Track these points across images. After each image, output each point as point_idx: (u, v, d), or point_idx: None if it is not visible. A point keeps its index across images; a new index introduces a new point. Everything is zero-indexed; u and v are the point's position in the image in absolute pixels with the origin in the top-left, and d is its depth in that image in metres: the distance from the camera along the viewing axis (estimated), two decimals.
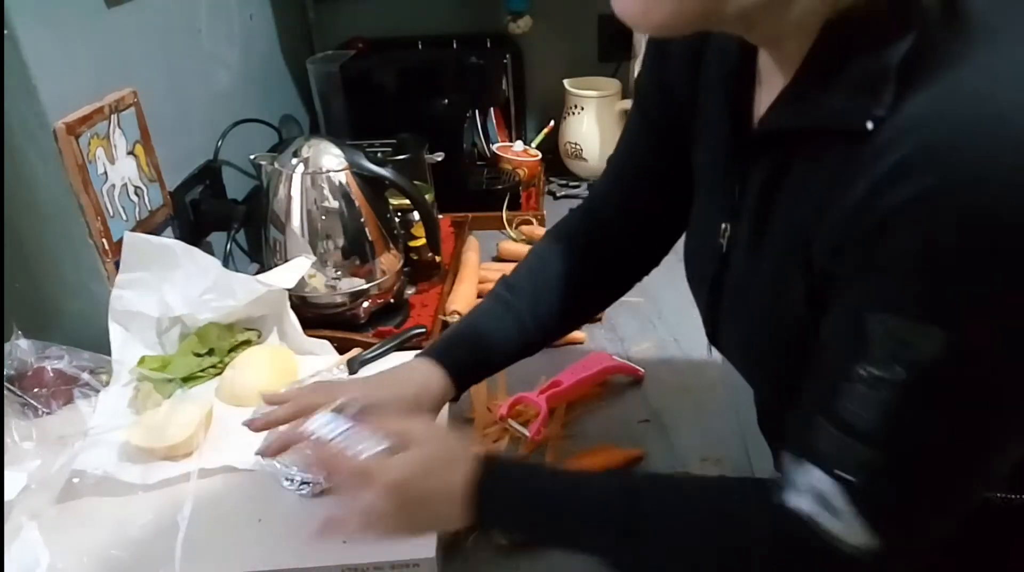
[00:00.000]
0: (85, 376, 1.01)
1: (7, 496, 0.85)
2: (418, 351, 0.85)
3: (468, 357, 0.83)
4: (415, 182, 1.21)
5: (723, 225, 0.67)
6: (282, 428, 0.75)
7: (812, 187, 0.54)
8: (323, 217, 1.11)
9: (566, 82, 1.67)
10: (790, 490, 0.53)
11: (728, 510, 0.59)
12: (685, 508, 0.60)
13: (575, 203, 1.63)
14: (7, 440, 0.92)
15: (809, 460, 0.52)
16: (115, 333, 1.03)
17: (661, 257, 0.91)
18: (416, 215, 1.25)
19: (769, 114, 0.58)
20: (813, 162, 0.54)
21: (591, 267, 0.88)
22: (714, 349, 0.76)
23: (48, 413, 0.99)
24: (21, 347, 1.00)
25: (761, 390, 0.76)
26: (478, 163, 1.66)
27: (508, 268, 1.32)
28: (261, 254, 1.22)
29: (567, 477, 0.69)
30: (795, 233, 0.55)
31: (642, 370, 1.08)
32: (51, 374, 0.99)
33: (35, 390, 0.98)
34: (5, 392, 0.96)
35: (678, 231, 0.83)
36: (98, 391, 1.01)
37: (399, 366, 0.83)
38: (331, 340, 1.12)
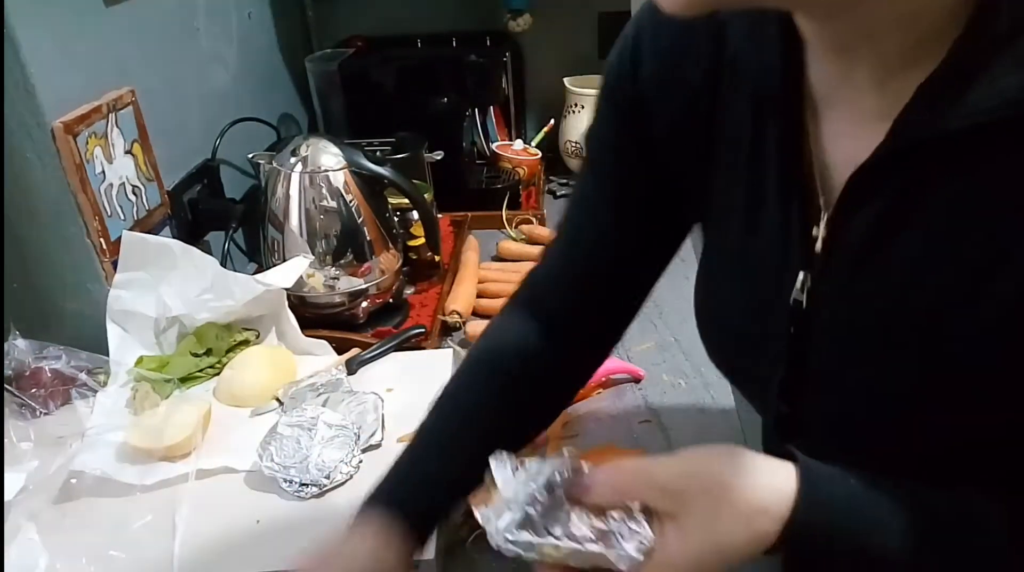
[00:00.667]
0: (83, 376, 1.00)
1: (5, 497, 0.85)
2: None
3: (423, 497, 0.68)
4: (414, 181, 1.21)
5: (798, 275, 0.55)
6: None
7: (993, 203, 0.45)
8: (321, 216, 1.11)
9: (566, 80, 1.66)
10: None
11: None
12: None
13: None
14: (5, 441, 0.91)
15: None
16: (113, 333, 1.03)
17: (602, 360, 0.80)
18: (415, 214, 1.25)
19: (907, 119, 0.46)
20: (979, 169, 0.45)
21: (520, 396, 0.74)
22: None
23: (46, 413, 0.98)
24: (19, 347, 0.99)
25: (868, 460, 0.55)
26: (478, 162, 1.65)
27: (508, 267, 1.34)
28: (259, 254, 1.22)
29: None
30: (981, 263, 0.46)
31: (642, 370, 1.07)
32: (49, 374, 0.99)
33: (33, 390, 0.98)
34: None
35: (627, 319, 0.75)
36: (96, 391, 1.00)
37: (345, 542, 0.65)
38: (329, 340, 1.11)
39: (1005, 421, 0.50)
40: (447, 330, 1.21)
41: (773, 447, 0.68)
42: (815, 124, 0.53)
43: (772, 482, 0.50)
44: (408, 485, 0.68)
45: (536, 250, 1.34)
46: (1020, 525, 0.50)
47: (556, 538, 0.52)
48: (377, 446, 0.91)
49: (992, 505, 0.50)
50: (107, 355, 1.02)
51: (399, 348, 1.10)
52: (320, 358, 1.09)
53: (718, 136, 0.59)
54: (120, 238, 1.02)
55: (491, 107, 1.69)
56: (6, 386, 0.97)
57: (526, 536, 0.53)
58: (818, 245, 0.54)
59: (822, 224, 0.54)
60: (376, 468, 0.87)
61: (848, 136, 0.51)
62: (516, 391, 0.73)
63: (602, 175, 0.69)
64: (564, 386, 0.79)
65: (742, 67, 0.55)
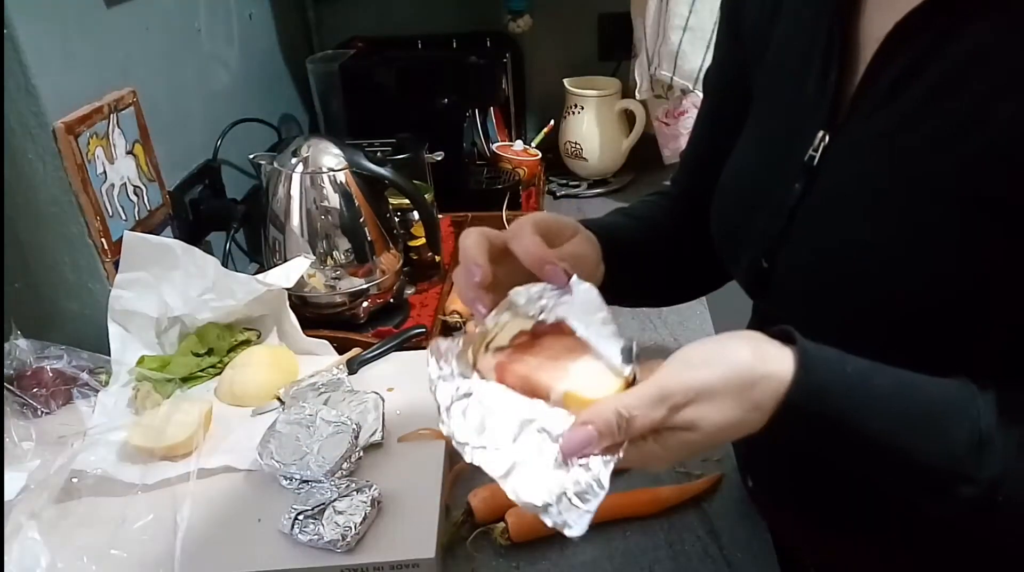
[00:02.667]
0: (84, 376, 1.01)
1: (6, 496, 0.85)
2: None
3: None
4: (415, 182, 1.21)
5: (818, 134, 0.60)
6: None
7: (1006, 59, 0.48)
8: (322, 217, 1.11)
9: (566, 81, 1.66)
10: None
11: None
12: None
13: (575, 203, 1.65)
14: (6, 440, 0.91)
15: None
16: (114, 333, 1.03)
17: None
18: (416, 215, 1.25)
19: None
20: (1001, 27, 0.49)
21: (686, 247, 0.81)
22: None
23: (47, 413, 0.98)
24: (20, 347, 0.99)
25: (828, 330, 0.56)
26: (478, 163, 1.65)
27: None
28: (260, 254, 1.22)
29: (908, 383, 0.52)
30: (970, 115, 0.50)
31: None
32: (50, 374, 0.99)
33: (34, 390, 0.98)
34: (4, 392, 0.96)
35: None
36: (97, 391, 1.00)
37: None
38: (330, 340, 1.11)
39: (960, 303, 0.52)
40: (447, 330, 1.21)
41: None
42: (866, 4, 0.59)
43: (771, 373, 0.50)
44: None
45: None
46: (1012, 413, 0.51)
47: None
48: (378, 445, 0.92)
49: (984, 394, 0.52)
50: (108, 355, 1.02)
51: (400, 348, 1.10)
52: (321, 358, 1.09)
53: (786, 14, 0.66)
54: (121, 238, 1.03)
55: (491, 108, 1.69)
56: (8, 386, 0.97)
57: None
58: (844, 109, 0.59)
59: (854, 86, 0.58)
60: (377, 466, 0.89)
61: (889, 6, 0.55)
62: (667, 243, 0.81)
63: (715, 90, 0.80)
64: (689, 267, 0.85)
65: None
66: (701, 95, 1.42)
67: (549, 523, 0.48)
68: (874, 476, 0.57)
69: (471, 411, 0.54)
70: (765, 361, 0.51)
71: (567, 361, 0.57)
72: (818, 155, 0.60)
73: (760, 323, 0.80)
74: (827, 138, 0.60)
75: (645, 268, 0.80)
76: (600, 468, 0.50)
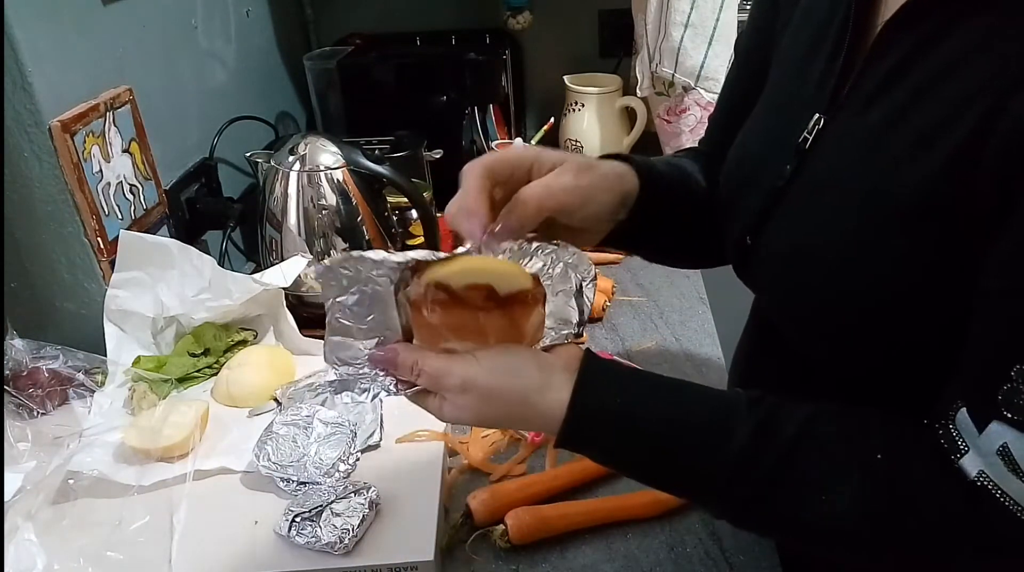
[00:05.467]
0: (80, 376, 1.00)
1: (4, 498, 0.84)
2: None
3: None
4: (413, 180, 1.20)
5: (814, 117, 0.60)
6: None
7: (993, 57, 0.48)
8: (320, 215, 1.10)
9: (566, 78, 1.66)
10: (970, 454, 0.49)
11: (904, 487, 0.52)
12: (839, 468, 0.53)
13: None
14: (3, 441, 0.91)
15: (1000, 418, 0.46)
16: (110, 333, 1.02)
17: None
18: (414, 213, 1.24)
19: None
20: (995, 25, 0.48)
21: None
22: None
23: (44, 413, 0.98)
24: (16, 347, 0.99)
25: (797, 320, 0.63)
26: None
27: None
28: (257, 253, 1.22)
29: (677, 397, 0.58)
30: (949, 111, 0.49)
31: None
32: (46, 374, 0.99)
33: (30, 391, 0.97)
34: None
35: None
36: (93, 391, 1.00)
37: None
38: None
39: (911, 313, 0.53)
40: None
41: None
42: None
43: (546, 403, 0.56)
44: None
45: None
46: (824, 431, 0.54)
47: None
48: (376, 447, 0.91)
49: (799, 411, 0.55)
50: (105, 355, 1.02)
51: None
52: (318, 358, 1.07)
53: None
54: (117, 237, 1.02)
55: (491, 105, 1.68)
56: (4, 387, 0.96)
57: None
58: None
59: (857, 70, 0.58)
60: (375, 468, 0.88)
61: None
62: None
63: (742, 50, 0.79)
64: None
65: None
66: (703, 92, 1.42)
67: (327, 378, 0.59)
68: (645, 483, 0.62)
69: (363, 298, 0.58)
70: (545, 391, 0.56)
71: (457, 339, 0.58)
72: (811, 138, 0.60)
73: (757, 320, 0.80)
74: (822, 122, 0.60)
75: (680, 216, 0.77)
76: (384, 384, 0.59)
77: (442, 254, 0.57)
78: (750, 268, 0.67)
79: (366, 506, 0.80)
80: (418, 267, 0.57)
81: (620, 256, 1.30)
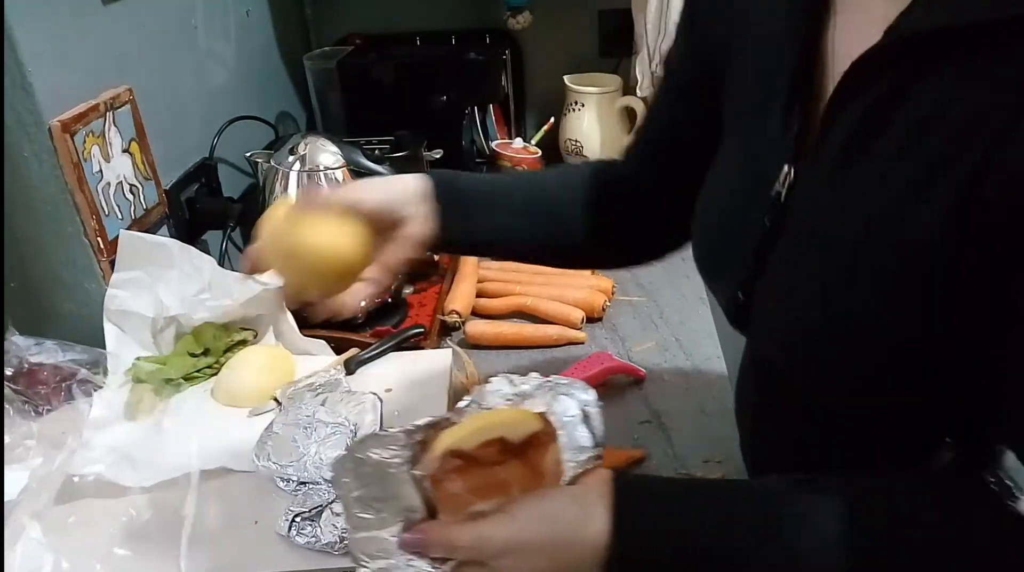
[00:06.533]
0: (83, 371, 1.00)
1: (8, 496, 0.84)
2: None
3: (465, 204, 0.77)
4: None
5: (782, 168, 0.59)
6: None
7: (970, 106, 0.46)
8: None
9: (566, 78, 1.66)
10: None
11: (965, 541, 0.51)
12: (907, 548, 0.52)
13: None
14: (7, 439, 0.91)
15: None
16: (110, 333, 1.02)
17: (679, 243, 0.86)
18: None
19: (907, 16, 0.49)
20: (967, 72, 0.47)
21: (616, 208, 0.82)
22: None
23: (49, 410, 0.97)
24: (16, 344, 0.98)
25: (805, 372, 0.62)
26: (477, 160, 1.65)
27: (507, 267, 1.33)
28: None
29: (717, 503, 0.58)
30: (937, 163, 0.48)
31: (643, 370, 1.07)
32: (49, 371, 0.98)
33: (33, 388, 0.97)
34: (5, 389, 0.95)
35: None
36: (99, 387, 0.99)
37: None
38: (328, 340, 1.11)
39: (932, 357, 0.52)
40: (446, 330, 1.20)
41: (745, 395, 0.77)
42: (832, 27, 0.56)
43: (589, 538, 0.55)
44: (461, 189, 0.78)
45: None
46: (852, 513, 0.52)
47: None
48: None
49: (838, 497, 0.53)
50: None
51: (398, 348, 1.09)
52: (318, 358, 1.08)
53: (752, 30, 0.64)
54: (117, 237, 1.02)
55: (490, 105, 1.68)
56: (8, 384, 0.96)
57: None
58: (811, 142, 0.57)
59: (817, 120, 0.56)
60: None
61: (856, 38, 0.53)
62: (600, 195, 0.81)
63: (669, 71, 0.79)
64: (605, 241, 0.84)
65: None
66: None
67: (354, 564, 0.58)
68: None
69: (380, 481, 0.59)
70: (585, 524, 0.55)
71: (481, 500, 0.59)
72: (784, 191, 0.59)
73: (751, 360, 0.79)
74: (792, 173, 0.58)
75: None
76: (421, 568, 0.57)
77: (442, 418, 0.58)
78: (748, 323, 0.66)
79: None
80: (427, 442, 0.57)
81: None
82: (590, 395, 0.62)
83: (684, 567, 0.56)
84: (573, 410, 0.61)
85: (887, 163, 0.51)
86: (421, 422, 0.57)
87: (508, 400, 0.62)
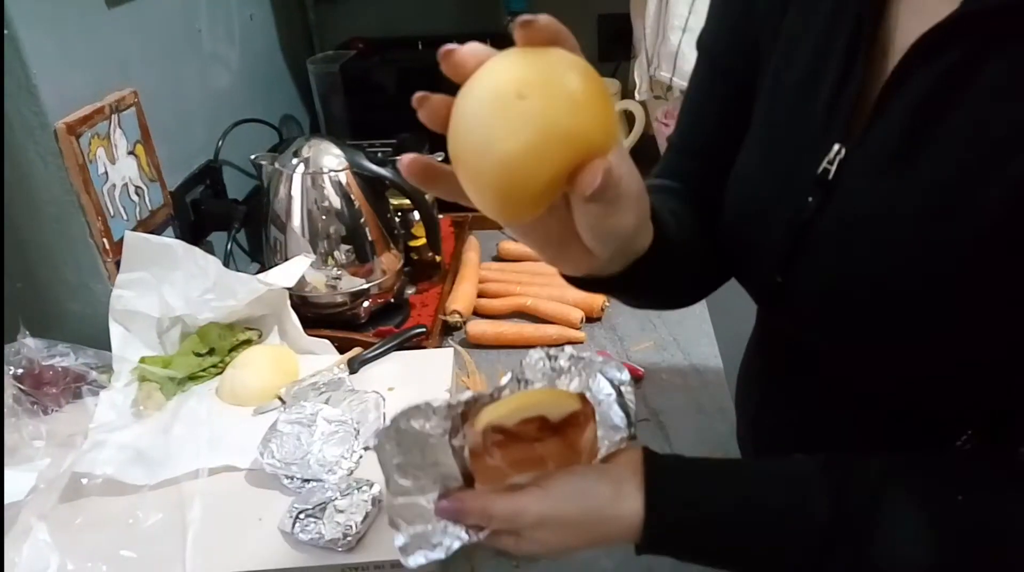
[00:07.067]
0: (93, 374, 1.01)
1: (16, 497, 0.85)
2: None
3: None
4: None
5: (833, 148, 0.56)
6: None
7: None
8: (323, 217, 1.11)
9: None
10: None
11: (999, 521, 0.52)
12: (938, 524, 0.52)
13: None
14: (17, 438, 0.91)
15: None
16: (116, 333, 1.03)
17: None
18: (416, 215, 1.25)
19: None
20: None
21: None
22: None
23: (57, 410, 0.98)
24: (29, 346, 0.99)
25: (843, 351, 0.61)
26: None
27: (508, 268, 1.34)
28: (262, 254, 1.23)
29: (747, 482, 0.59)
30: (1006, 144, 0.47)
31: (641, 370, 1.08)
32: (59, 372, 0.99)
33: (43, 388, 0.98)
34: (14, 390, 0.96)
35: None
36: (107, 389, 1.00)
37: None
38: (331, 340, 1.12)
39: (972, 348, 0.52)
40: (448, 330, 1.21)
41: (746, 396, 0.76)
42: (895, 4, 0.55)
43: (622, 516, 0.56)
44: None
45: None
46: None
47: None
48: None
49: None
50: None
51: (400, 347, 1.11)
52: (322, 357, 1.09)
53: (798, 6, 0.61)
54: (123, 238, 1.03)
55: None
56: (19, 384, 0.97)
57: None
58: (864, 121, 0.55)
59: (874, 97, 0.55)
60: (378, 466, 0.89)
61: (921, 17, 0.51)
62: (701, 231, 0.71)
63: (712, 69, 0.71)
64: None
65: None
66: None
67: (396, 544, 0.58)
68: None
69: (422, 448, 0.59)
70: (618, 503, 0.56)
71: (518, 472, 0.60)
72: (833, 169, 0.57)
73: (766, 332, 0.79)
74: (843, 151, 0.56)
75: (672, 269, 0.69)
76: (457, 534, 0.59)
77: (482, 393, 0.59)
78: (785, 306, 0.64)
79: (369, 503, 0.81)
80: (467, 414, 0.58)
81: None
82: (624, 375, 0.63)
83: (717, 544, 0.57)
84: (608, 389, 0.62)
85: (953, 142, 0.50)
86: (463, 397, 0.58)
87: (545, 375, 0.63)
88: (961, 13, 0.48)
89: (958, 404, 0.55)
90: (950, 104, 0.50)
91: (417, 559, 0.58)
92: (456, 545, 0.59)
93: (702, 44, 0.72)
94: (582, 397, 0.60)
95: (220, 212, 1.28)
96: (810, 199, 0.58)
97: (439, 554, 0.58)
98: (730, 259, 0.69)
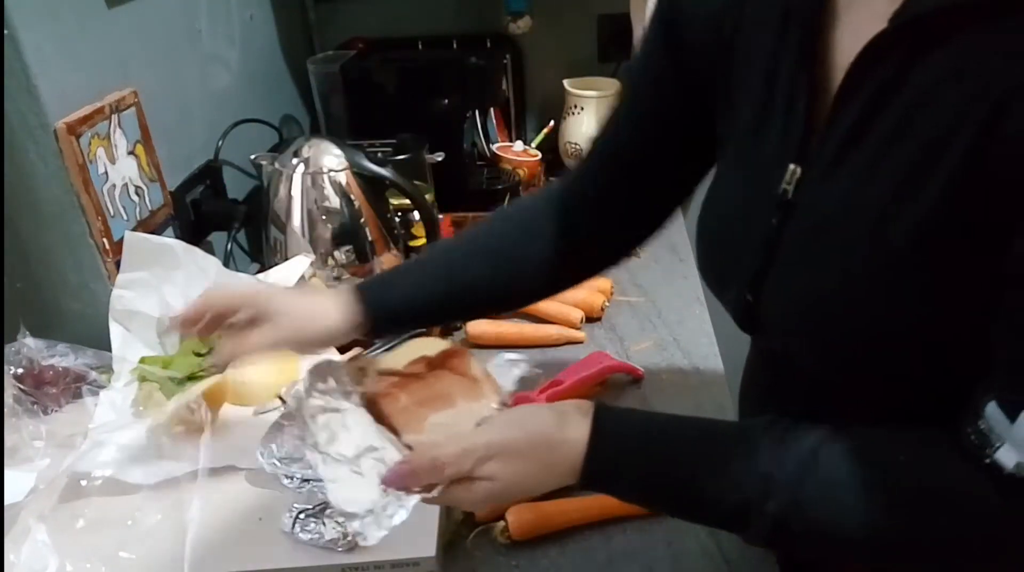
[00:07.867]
0: (93, 374, 1.01)
1: (16, 497, 0.85)
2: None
3: (396, 293, 0.78)
4: (415, 182, 1.21)
5: (789, 168, 0.59)
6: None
7: (971, 80, 0.47)
8: (323, 217, 1.12)
9: (566, 82, 1.67)
10: (1005, 447, 0.48)
11: (932, 483, 0.53)
12: (864, 473, 0.54)
13: None
14: (17, 438, 0.91)
15: None
16: (116, 333, 1.03)
17: (634, 246, 0.86)
18: (416, 215, 1.25)
19: (910, 1, 0.49)
20: (968, 48, 0.47)
21: (568, 239, 0.80)
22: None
23: (57, 410, 0.98)
24: (29, 346, 1.00)
25: (814, 356, 0.63)
26: (478, 163, 1.66)
27: None
28: (262, 254, 1.23)
29: (694, 424, 0.61)
30: (936, 142, 0.49)
31: (642, 370, 1.08)
32: (59, 372, 0.99)
33: (43, 388, 0.98)
34: (15, 390, 0.96)
35: (663, 217, 0.81)
36: (106, 389, 1.00)
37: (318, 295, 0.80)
38: None
39: (927, 346, 0.54)
40: (447, 330, 1.21)
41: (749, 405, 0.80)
42: (834, 29, 0.57)
43: (568, 439, 0.58)
44: (387, 281, 0.80)
45: None
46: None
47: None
48: None
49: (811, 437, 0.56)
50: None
51: None
52: (323, 357, 1.09)
53: (742, 43, 0.64)
54: (123, 238, 1.03)
55: (491, 109, 1.69)
56: (19, 384, 0.97)
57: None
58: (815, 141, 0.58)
59: (826, 116, 0.57)
60: None
61: (862, 33, 0.53)
62: (530, 243, 0.80)
63: (640, 86, 0.75)
64: (572, 262, 0.83)
65: None
66: None
67: (351, 529, 0.59)
68: (676, 515, 0.64)
69: (332, 423, 0.62)
70: (564, 428, 0.59)
71: (432, 410, 0.64)
72: (791, 189, 0.59)
73: (755, 349, 0.80)
74: (799, 171, 0.58)
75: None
76: (409, 499, 0.59)
77: (351, 357, 0.65)
78: (757, 323, 0.66)
79: None
80: (360, 376, 0.64)
81: None
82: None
83: (662, 473, 0.59)
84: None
85: (886, 146, 0.52)
86: (337, 360, 0.65)
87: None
88: (887, 30, 0.50)
89: (943, 408, 0.55)
90: (881, 114, 0.52)
91: (378, 534, 0.59)
92: (408, 510, 0.59)
93: (625, 68, 0.78)
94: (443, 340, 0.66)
95: (220, 212, 1.28)
96: (773, 219, 0.61)
97: (396, 522, 0.59)
98: (709, 282, 0.73)
